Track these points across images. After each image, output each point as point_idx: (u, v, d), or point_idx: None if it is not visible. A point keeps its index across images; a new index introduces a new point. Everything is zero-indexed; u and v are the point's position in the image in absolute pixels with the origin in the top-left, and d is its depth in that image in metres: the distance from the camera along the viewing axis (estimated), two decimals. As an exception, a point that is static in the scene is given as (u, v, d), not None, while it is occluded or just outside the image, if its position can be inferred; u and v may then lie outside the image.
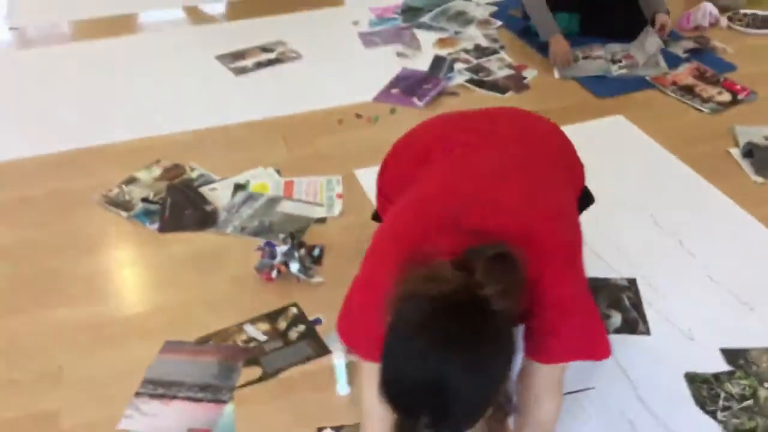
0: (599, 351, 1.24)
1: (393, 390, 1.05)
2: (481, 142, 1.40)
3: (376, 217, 1.84)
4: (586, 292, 1.23)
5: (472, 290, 1.02)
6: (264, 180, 2.39)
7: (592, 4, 3.10)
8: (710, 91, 2.71)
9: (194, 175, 2.41)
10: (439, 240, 1.16)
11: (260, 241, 2.10)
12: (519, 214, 1.20)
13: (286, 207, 2.26)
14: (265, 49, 3.17)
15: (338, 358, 1.66)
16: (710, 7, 3.14)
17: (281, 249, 2.01)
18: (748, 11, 3.22)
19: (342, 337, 1.34)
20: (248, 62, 3.08)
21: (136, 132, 2.65)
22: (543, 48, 3.03)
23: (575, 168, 1.53)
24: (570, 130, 2.29)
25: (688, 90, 2.73)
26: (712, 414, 1.59)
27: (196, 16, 3.58)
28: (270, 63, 3.07)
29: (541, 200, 1.26)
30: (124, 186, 2.36)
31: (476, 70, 2.95)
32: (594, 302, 1.26)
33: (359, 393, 1.41)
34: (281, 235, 2.09)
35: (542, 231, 1.19)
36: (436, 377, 1.00)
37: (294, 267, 1.98)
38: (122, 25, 3.47)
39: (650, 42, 2.86)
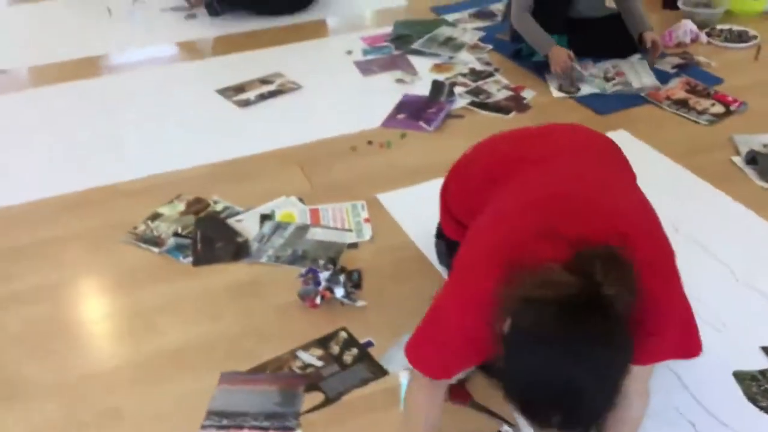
0: (695, 348, 1.31)
1: (522, 395, 1.10)
2: (554, 154, 1.47)
3: (440, 234, 1.89)
4: (683, 291, 1.30)
5: (594, 291, 1.07)
6: (289, 209, 2.41)
7: (578, 24, 3.22)
8: (704, 103, 2.84)
9: (219, 207, 2.43)
10: (538, 249, 1.20)
11: (297, 269, 2.13)
12: (614, 217, 1.27)
13: (316, 234, 2.29)
14: (264, 81, 3.21)
15: (404, 377, 1.70)
16: (690, 24, 3.29)
17: (324, 275, 2.04)
18: (724, 27, 3.39)
19: (418, 360, 1.37)
20: (250, 95, 3.10)
21: (148, 168, 2.65)
22: (536, 69, 3.14)
23: (633, 176, 1.61)
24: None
25: (683, 104, 2.85)
26: (765, 410, 1.67)
27: (186, 51, 3.60)
28: (272, 95, 3.10)
29: (629, 203, 1.33)
30: (149, 222, 2.37)
31: (476, 92, 3.03)
32: (688, 300, 1.33)
33: (408, 400, 1.46)
34: (321, 261, 2.13)
35: (640, 233, 1.25)
36: (566, 380, 1.05)
37: (339, 292, 2.01)
38: (103, 65, 3.46)
39: (640, 67, 3.03)
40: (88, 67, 3.42)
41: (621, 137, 2.71)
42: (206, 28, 3.76)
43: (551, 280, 1.09)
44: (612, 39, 3.18)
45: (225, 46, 3.58)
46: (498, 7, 3.79)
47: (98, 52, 3.55)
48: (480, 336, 1.20)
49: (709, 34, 3.34)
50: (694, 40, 3.29)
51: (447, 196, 1.83)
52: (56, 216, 2.44)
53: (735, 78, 3.03)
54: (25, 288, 2.15)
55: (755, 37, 3.30)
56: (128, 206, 2.46)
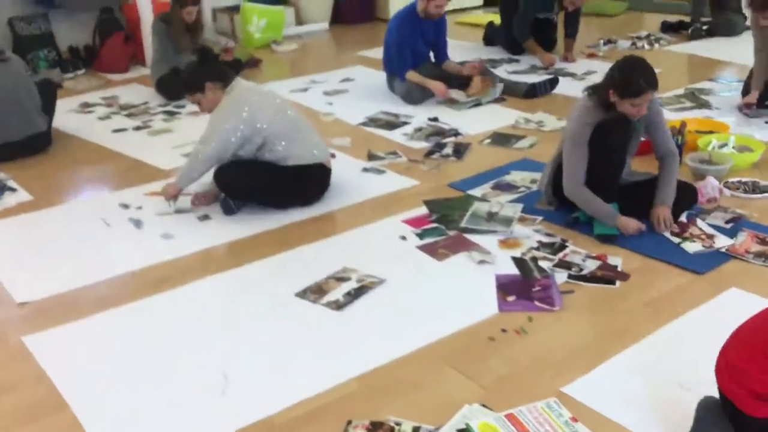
0: None
1: None
2: None
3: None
4: None
5: None
6: (481, 419, 2.20)
7: (625, 191, 3.36)
8: (783, 252, 3.02)
9: (408, 429, 2.16)
10: None
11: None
12: None
13: (537, 441, 2.10)
14: (339, 278, 3.00)
15: None
16: (714, 180, 3.53)
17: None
18: (736, 179, 3.68)
19: None
20: (336, 295, 2.88)
21: (290, 395, 2.35)
22: (601, 239, 3.20)
23: None
24: (704, 312, 2.76)
25: (764, 255, 3.00)
26: None
27: (224, 257, 3.31)
28: (359, 292, 2.90)
29: None
30: (345, 458, 2.06)
31: (565, 266, 3.02)
32: None
33: None
34: (590, 474, 1.94)
35: None
36: None
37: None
38: (144, 282, 3.09)
39: None
40: (129, 288, 3.04)
41: (735, 295, 2.80)
42: (229, 229, 3.48)
43: None
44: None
45: (264, 246, 3.31)
46: (514, 179, 3.87)
47: (127, 268, 3.17)
48: None
49: (729, 188, 3.60)
50: (720, 194, 3.53)
51: (749, 382, 1.82)
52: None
53: (782, 224, 3.28)
54: None
55: (768, 186, 3.63)
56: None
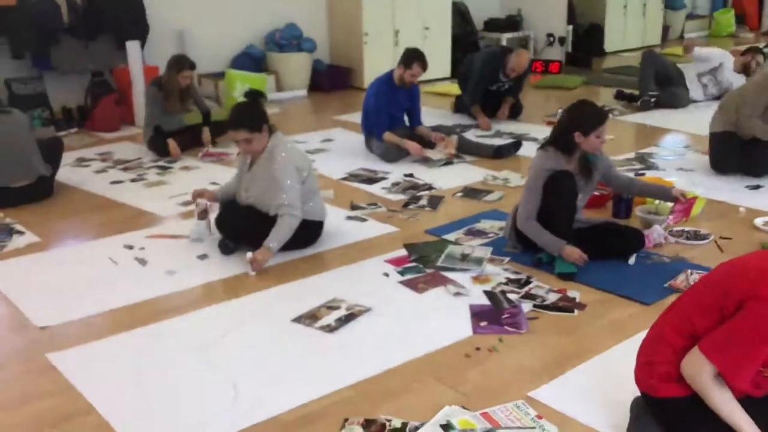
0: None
1: None
2: None
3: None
4: None
5: None
6: (461, 417, 2.56)
7: (582, 232, 3.80)
8: (718, 288, 3.45)
9: (398, 424, 2.52)
10: None
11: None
12: None
13: (509, 435, 2.46)
14: (330, 307, 3.37)
15: None
16: (659, 229, 4.00)
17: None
18: (679, 228, 4.14)
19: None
20: (328, 320, 3.25)
21: (297, 398, 2.70)
22: (561, 276, 3.62)
23: None
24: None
25: (702, 289, 3.44)
26: None
27: (223, 290, 3.65)
28: (348, 318, 3.27)
29: None
30: (345, 448, 2.39)
31: (530, 297, 3.43)
32: None
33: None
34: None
35: None
36: None
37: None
38: (155, 310, 3.43)
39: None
40: (140, 315, 3.37)
41: (676, 321, 3.21)
42: (227, 266, 3.84)
43: None
44: (611, 245, 3.80)
45: (260, 281, 3.68)
46: (484, 227, 4.29)
47: (136, 298, 3.51)
48: None
49: (672, 235, 4.07)
50: (665, 240, 3.99)
51: (657, 369, 2.30)
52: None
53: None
54: None
55: (709, 234, 4.08)
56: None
